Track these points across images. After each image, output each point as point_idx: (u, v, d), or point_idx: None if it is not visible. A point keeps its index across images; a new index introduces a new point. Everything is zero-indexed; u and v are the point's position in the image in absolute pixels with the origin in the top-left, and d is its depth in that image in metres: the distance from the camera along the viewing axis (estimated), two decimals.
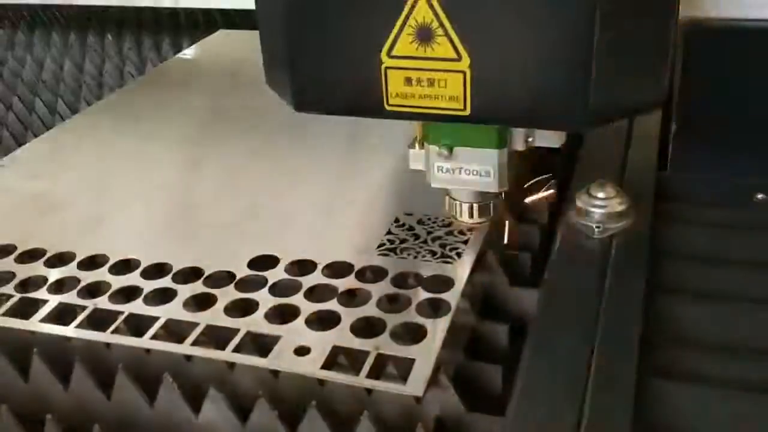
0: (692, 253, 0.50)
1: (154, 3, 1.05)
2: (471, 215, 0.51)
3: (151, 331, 0.44)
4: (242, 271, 0.49)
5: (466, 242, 0.51)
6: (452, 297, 0.45)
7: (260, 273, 0.49)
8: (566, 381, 0.39)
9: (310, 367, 0.41)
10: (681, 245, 0.51)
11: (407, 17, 0.40)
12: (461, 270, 0.48)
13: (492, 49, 0.40)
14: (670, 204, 0.55)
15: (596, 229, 0.50)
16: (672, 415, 0.38)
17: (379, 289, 0.47)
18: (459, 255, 0.49)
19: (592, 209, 0.50)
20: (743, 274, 0.48)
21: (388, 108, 0.43)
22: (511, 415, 0.37)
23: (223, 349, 0.43)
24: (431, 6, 0.40)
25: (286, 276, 0.48)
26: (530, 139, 0.47)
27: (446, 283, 0.47)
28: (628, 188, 0.52)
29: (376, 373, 0.40)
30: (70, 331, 0.46)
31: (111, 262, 0.51)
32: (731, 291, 0.46)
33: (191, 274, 0.50)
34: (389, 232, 0.53)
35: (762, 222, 0.52)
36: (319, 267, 0.49)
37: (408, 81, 0.42)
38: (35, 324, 0.46)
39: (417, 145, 0.49)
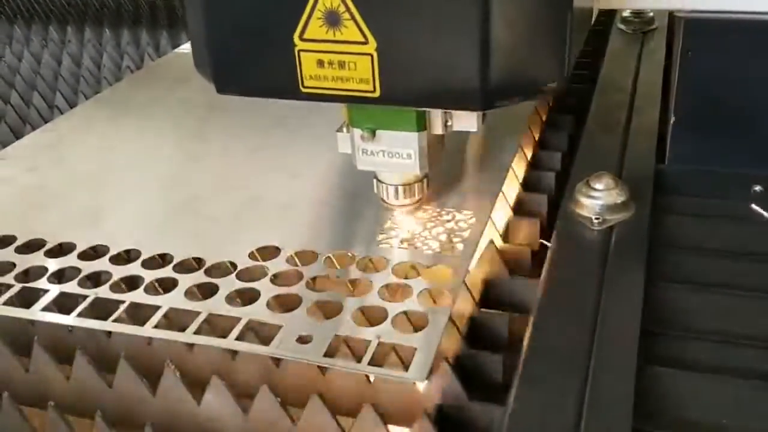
0: (691, 244, 0.50)
1: None
2: (397, 197, 0.52)
3: (153, 320, 0.45)
4: (243, 261, 0.49)
5: (467, 232, 0.51)
6: (453, 286, 0.46)
7: (262, 263, 0.49)
8: (567, 370, 0.39)
9: (313, 354, 0.41)
10: (680, 236, 0.51)
11: (316, 1, 0.41)
12: (463, 260, 0.48)
13: (396, 32, 0.41)
14: (669, 196, 0.55)
15: (595, 221, 0.50)
16: (672, 402, 0.39)
17: (381, 279, 0.47)
18: (460, 245, 0.50)
19: (592, 200, 0.50)
20: (741, 264, 0.48)
21: (303, 90, 0.44)
22: (512, 404, 0.38)
23: (225, 338, 0.43)
24: None
25: (287, 266, 0.49)
26: (449, 123, 0.48)
27: (447, 272, 0.47)
28: (627, 180, 0.52)
29: (378, 362, 0.41)
30: (71, 320, 0.46)
31: (112, 252, 0.51)
32: (729, 281, 0.46)
33: (193, 264, 0.50)
34: (390, 223, 0.53)
35: (760, 214, 0.53)
36: (321, 257, 0.49)
37: (320, 63, 0.43)
38: (36, 313, 0.46)
39: (345, 129, 0.50)
